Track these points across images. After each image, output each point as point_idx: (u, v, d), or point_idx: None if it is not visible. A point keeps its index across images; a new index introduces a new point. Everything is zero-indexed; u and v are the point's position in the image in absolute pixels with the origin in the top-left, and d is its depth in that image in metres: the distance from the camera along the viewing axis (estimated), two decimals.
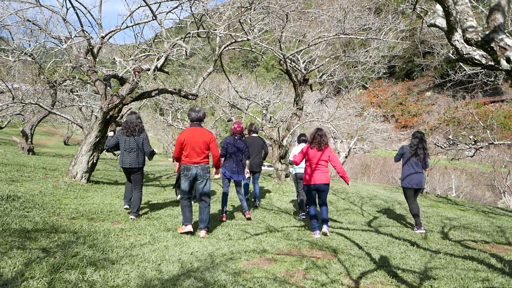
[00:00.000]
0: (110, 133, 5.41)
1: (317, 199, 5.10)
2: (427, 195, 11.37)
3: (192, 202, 6.82)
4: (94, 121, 7.19)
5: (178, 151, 4.41)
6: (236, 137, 5.56)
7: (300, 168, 6.32)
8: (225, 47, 7.71)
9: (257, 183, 7.09)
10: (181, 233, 4.31)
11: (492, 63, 2.91)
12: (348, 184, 4.94)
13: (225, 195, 5.53)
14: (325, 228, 4.85)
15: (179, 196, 6.68)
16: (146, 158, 5.17)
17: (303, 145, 6.49)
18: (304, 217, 6.20)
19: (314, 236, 4.77)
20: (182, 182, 4.44)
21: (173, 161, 5.82)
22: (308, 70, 10.57)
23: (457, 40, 3.01)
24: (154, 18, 6.48)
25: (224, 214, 5.45)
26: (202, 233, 4.36)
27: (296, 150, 6.54)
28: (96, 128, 6.98)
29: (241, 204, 5.68)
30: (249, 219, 5.54)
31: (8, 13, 6.34)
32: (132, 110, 6.69)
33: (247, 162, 5.78)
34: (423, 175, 5.68)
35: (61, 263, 2.87)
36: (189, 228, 4.33)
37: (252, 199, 7.21)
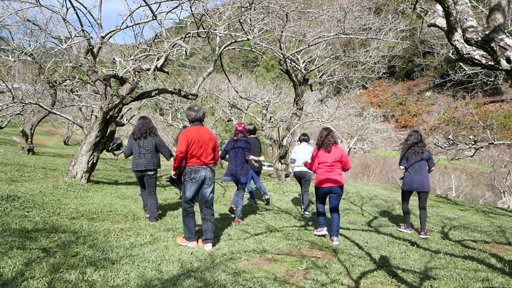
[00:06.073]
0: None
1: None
2: None
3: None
4: (94, 121, 7.18)
5: (185, 151, 3.89)
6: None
7: (299, 167, 6.45)
8: (225, 47, 7.70)
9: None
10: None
11: (492, 63, 2.91)
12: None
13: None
14: (335, 241, 4.54)
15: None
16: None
17: (304, 144, 6.60)
18: (306, 215, 6.30)
19: (316, 234, 4.78)
20: (188, 187, 3.94)
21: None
22: (308, 70, 10.57)
23: (457, 40, 3.01)
24: (154, 18, 6.48)
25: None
26: (209, 246, 3.87)
27: (298, 149, 6.66)
28: (96, 128, 6.97)
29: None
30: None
31: (8, 13, 6.33)
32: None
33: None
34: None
35: (61, 263, 2.87)
36: (194, 244, 3.93)
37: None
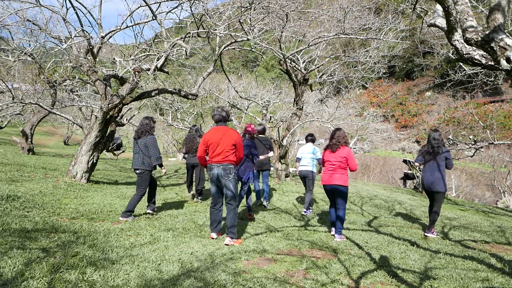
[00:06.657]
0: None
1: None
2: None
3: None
4: (94, 121, 7.18)
5: (201, 150, 4.35)
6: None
7: (302, 166, 6.57)
8: (225, 47, 7.70)
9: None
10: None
11: (492, 63, 2.91)
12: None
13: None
14: (336, 236, 4.72)
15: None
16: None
17: (310, 144, 6.73)
18: (305, 213, 6.38)
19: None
20: (210, 183, 4.41)
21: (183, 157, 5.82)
22: (308, 70, 10.57)
23: (457, 40, 3.01)
24: (154, 18, 6.48)
25: None
26: (227, 240, 4.09)
27: (303, 149, 6.74)
28: (96, 128, 6.98)
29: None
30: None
31: (8, 13, 6.34)
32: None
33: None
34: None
35: (61, 263, 2.87)
36: (213, 235, 4.31)
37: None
